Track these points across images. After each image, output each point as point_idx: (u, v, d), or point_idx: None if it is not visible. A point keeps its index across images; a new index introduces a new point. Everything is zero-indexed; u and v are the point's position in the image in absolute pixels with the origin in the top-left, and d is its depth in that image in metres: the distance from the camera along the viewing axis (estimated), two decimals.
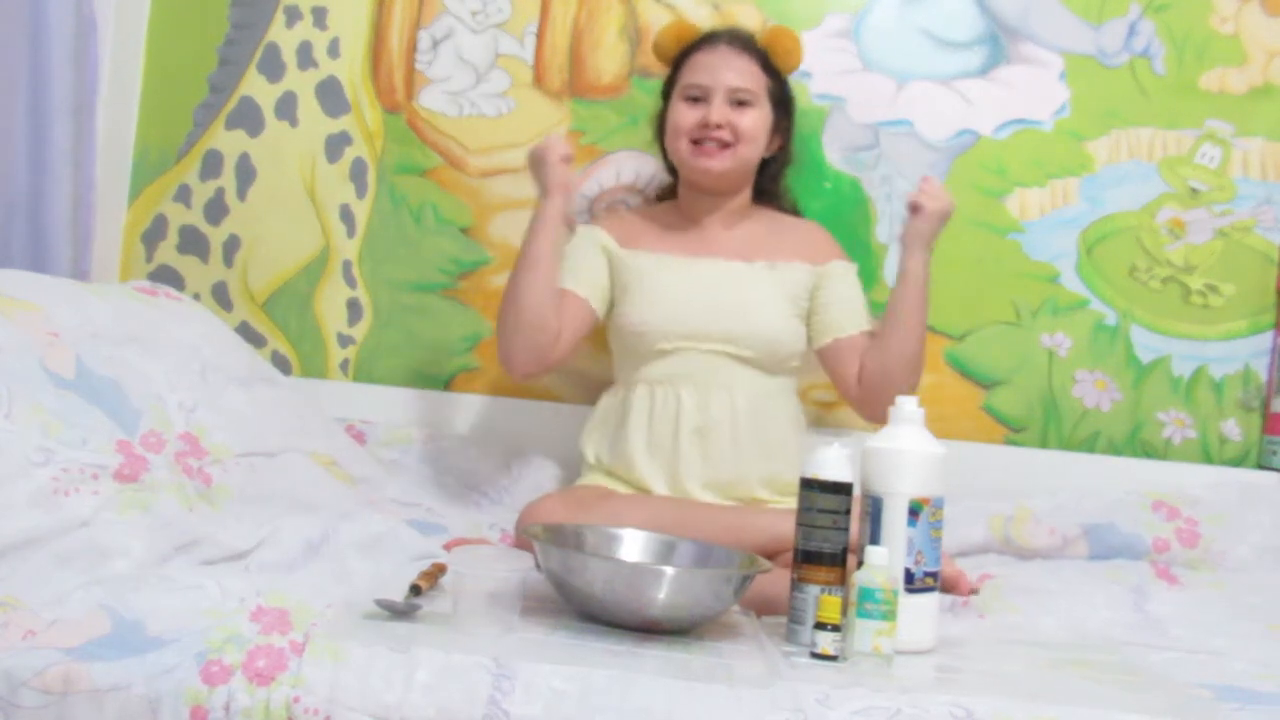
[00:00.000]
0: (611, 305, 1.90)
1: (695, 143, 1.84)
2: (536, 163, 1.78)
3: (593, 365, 2.09)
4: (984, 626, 1.57)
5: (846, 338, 1.86)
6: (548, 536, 1.47)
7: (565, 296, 1.83)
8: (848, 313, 1.87)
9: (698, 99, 1.85)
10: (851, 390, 1.86)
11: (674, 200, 1.98)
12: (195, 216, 2.21)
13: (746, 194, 1.93)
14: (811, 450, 1.41)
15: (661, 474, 1.80)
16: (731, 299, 1.84)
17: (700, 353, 1.81)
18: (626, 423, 1.82)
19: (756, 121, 1.85)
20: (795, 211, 2.00)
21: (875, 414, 1.81)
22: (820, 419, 2.12)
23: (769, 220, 1.95)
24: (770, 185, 1.96)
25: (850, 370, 1.85)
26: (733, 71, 1.84)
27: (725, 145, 1.83)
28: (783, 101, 1.91)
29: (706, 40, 1.89)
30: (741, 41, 1.88)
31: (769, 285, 1.86)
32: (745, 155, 1.85)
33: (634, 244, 1.91)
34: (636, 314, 1.84)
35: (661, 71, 1.95)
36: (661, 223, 1.94)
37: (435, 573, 1.41)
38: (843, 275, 1.90)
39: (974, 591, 1.65)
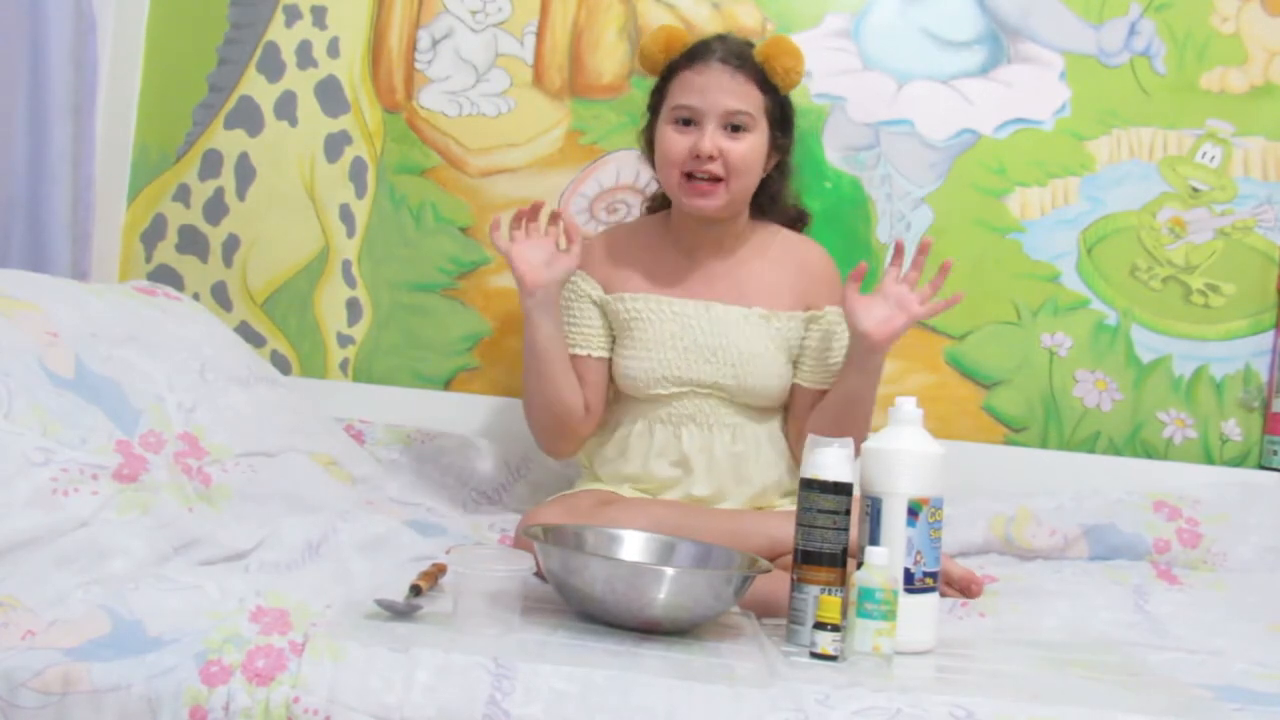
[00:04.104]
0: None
1: (687, 175, 1.71)
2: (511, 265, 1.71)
3: None
4: (984, 626, 1.57)
5: (807, 388, 1.80)
6: (548, 536, 1.47)
7: (580, 363, 1.79)
8: (820, 365, 1.79)
9: (689, 122, 1.71)
10: (790, 432, 1.82)
11: (668, 212, 1.85)
12: (194, 216, 2.21)
13: (743, 216, 1.81)
14: (811, 450, 1.41)
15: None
16: (725, 349, 1.75)
17: (698, 396, 1.76)
18: (624, 454, 1.79)
19: (752, 148, 1.72)
20: (799, 215, 1.91)
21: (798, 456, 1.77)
22: None
23: (765, 244, 1.82)
24: (768, 202, 1.84)
25: (795, 412, 1.81)
26: (726, 93, 1.70)
27: (717, 179, 1.70)
28: (781, 118, 1.77)
29: (698, 55, 1.73)
30: (736, 58, 1.72)
31: (764, 336, 1.77)
32: (739, 189, 1.73)
33: (621, 285, 1.80)
34: (628, 361, 1.77)
35: (651, 87, 1.84)
36: (651, 250, 1.82)
37: (435, 573, 1.41)
38: (834, 323, 1.79)
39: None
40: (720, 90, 1.70)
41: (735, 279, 1.80)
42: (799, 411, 1.80)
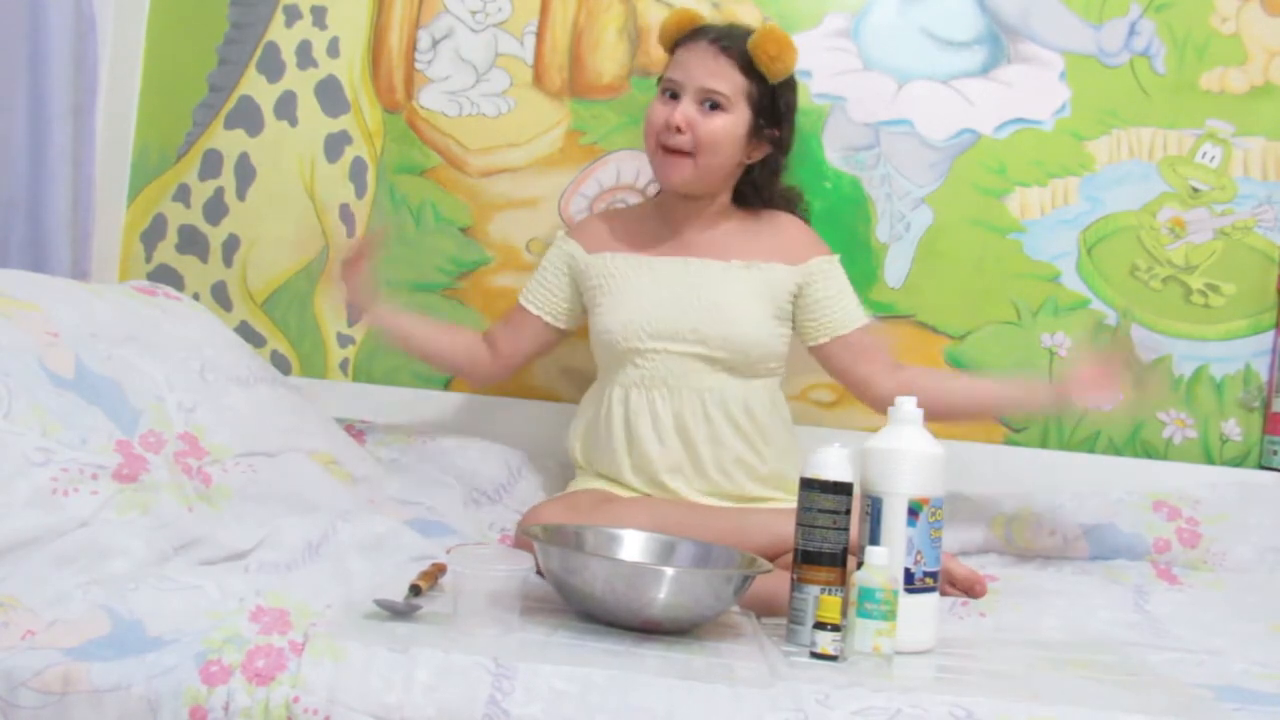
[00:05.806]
0: (585, 312, 1.91)
1: (661, 147, 1.79)
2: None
3: (590, 364, 2.09)
4: (984, 626, 1.58)
5: (843, 336, 1.85)
6: (548, 536, 1.47)
7: (520, 313, 1.93)
8: (841, 310, 1.85)
9: (673, 96, 1.79)
10: (865, 391, 1.85)
11: (661, 196, 1.93)
12: (195, 216, 2.21)
13: (725, 197, 1.87)
14: (811, 450, 1.41)
15: (646, 479, 1.79)
16: (703, 298, 1.80)
17: (672, 355, 1.79)
18: (609, 428, 1.82)
19: (725, 127, 1.77)
20: (793, 211, 1.93)
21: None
22: (820, 419, 2.12)
23: (744, 218, 1.89)
24: (753, 192, 1.88)
25: (856, 368, 1.85)
26: (705, 71, 1.76)
27: (685, 153, 1.77)
28: (770, 107, 1.81)
29: (694, 34, 1.82)
30: (726, 40, 1.78)
31: (744, 285, 1.81)
32: (707, 165, 1.78)
33: (604, 247, 1.88)
34: (605, 317, 1.83)
35: (660, 71, 1.91)
36: (639, 222, 1.91)
37: (435, 573, 1.41)
38: (827, 271, 1.86)
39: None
40: (700, 67, 1.78)
41: (714, 242, 1.86)
42: (851, 358, 1.85)
